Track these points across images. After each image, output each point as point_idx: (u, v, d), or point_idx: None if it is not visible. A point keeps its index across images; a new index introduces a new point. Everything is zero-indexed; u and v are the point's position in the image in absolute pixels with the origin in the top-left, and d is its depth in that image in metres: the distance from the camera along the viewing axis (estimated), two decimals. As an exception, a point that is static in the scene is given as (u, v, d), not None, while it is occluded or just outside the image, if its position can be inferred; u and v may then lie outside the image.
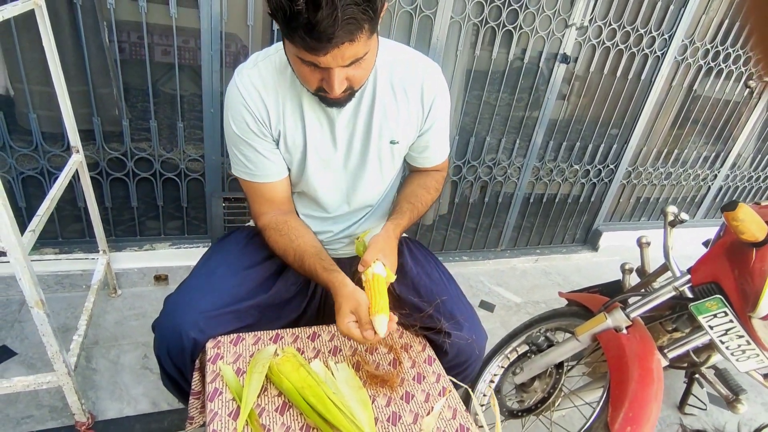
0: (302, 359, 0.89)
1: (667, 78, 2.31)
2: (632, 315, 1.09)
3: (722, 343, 0.98)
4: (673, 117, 2.57)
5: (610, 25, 2.04)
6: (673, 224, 1.14)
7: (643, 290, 1.48)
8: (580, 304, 1.35)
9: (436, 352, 1.02)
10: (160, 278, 1.85)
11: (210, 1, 1.46)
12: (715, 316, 0.96)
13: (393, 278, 0.91)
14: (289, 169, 1.01)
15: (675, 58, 2.26)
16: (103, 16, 1.46)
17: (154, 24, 1.52)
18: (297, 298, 1.08)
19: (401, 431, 0.83)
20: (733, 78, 2.53)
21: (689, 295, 1.05)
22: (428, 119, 1.01)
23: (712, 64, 2.41)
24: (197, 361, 0.93)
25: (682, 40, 2.22)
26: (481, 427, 0.97)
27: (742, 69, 2.50)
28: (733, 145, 2.85)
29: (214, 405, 0.81)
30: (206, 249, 1.15)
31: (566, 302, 1.48)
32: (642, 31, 2.11)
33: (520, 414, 1.27)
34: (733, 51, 2.40)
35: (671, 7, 2.10)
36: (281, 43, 0.90)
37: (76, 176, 1.48)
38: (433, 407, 0.88)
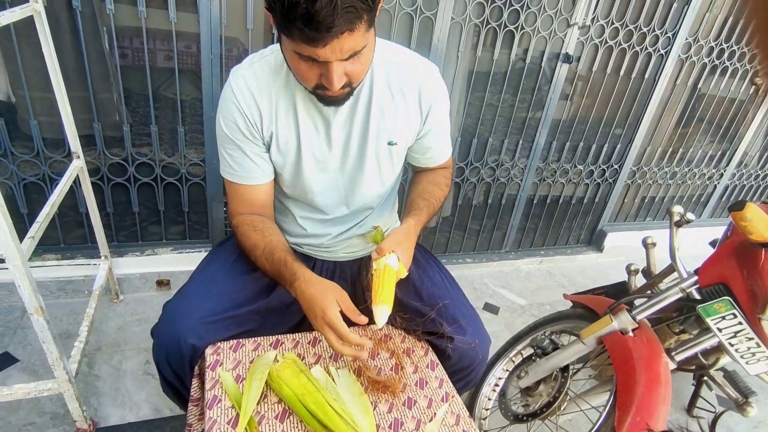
0: (303, 365, 0.88)
1: (671, 77, 2.29)
2: (638, 317, 1.07)
3: (731, 345, 0.96)
4: (677, 116, 2.55)
5: (613, 24, 2.02)
6: (679, 224, 1.12)
7: (649, 292, 1.46)
8: (586, 306, 1.33)
9: (438, 356, 1.01)
10: (162, 283, 1.85)
11: (209, 6, 1.46)
12: (723, 318, 0.94)
13: (404, 274, 0.90)
14: (281, 173, 1.00)
15: (679, 56, 2.24)
16: (103, 22, 1.46)
17: (154, 29, 1.52)
18: (297, 302, 1.06)
19: (403, 438, 0.82)
20: (738, 75, 2.51)
21: (697, 296, 1.03)
22: (427, 122, 1.00)
23: (717, 62, 2.39)
24: (196, 367, 0.92)
25: (686, 38, 2.20)
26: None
27: (748, 66, 2.47)
28: (739, 143, 2.82)
29: (213, 413, 0.80)
30: (208, 253, 1.15)
31: (571, 304, 1.46)
32: (645, 30, 2.09)
33: (525, 418, 1.25)
34: (738, 48, 2.37)
35: (674, 4, 2.08)
36: (277, 44, 0.89)
37: (77, 182, 1.48)
38: (435, 413, 0.87)
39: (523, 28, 1.88)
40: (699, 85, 2.44)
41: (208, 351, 0.91)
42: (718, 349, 1.20)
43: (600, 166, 2.45)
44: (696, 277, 1.01)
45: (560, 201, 2.48)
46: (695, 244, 2.05)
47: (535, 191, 2.38)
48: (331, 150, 0.97)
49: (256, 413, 0.81)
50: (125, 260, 1.80)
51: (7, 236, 0.91)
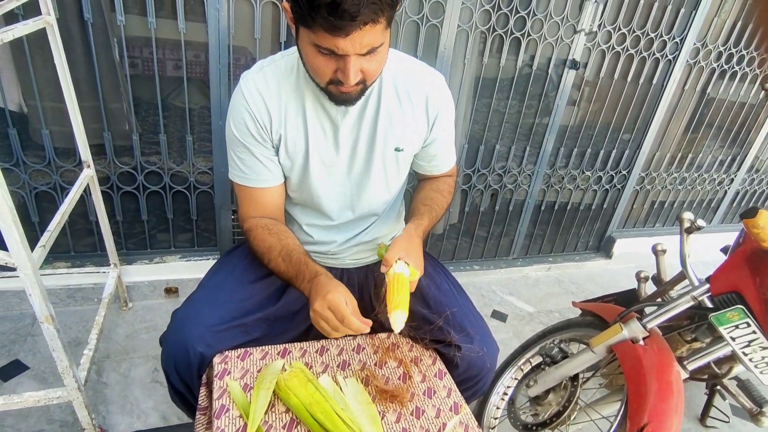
0: (310, 374, 0.87)
1: (679, 82, 2.28)
2: (649, 326, 1.06)
3: (745, 354, 0.94)
4: (686, 121, 2.53)
5: (620, 29, 2.01)
6: (689, 231, 1.11)
7: (659, 299, 1.44)
8: (595, 314, 1.32)
9: (446, 365, 1.00)
10: (171, 291, 1.86)
11: (218, 16, 1.48)
12: (737, 327, 0.92)
13: (418, 275, 0.89)
14: (288, 177, 1.00)
15: (687, 61, 2.23)
16: (113, 33, 1.48)
17: (163, 39, 1.54)
18: (305, 310, 1.06)
19: (411, 448, 0.81)
20: (747, 80, 2.48)
21: (709, 304, 1.01)
22: (433, 130, 1.01)
23: (726, 67, 2.37)
24: (204, 375, 0.92)
25: (694, 43, 2.19)
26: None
27: (757, 71, 2.45)
28: (750, 147, 2.79)
29: (221, 422, 0.80)
30: (216, 261, 1.15)
31: (580, 312, 1.45)
32: (652, 35, 2.08)
33: (534, 428, 1.23)
34: (747, 53, 2.35)
35: (682, 10, 2.07)
36: (288, 50, 0.93)
37: (87, 191, 1.50)
38: (443, 423, 0.86)
39: (529, 34, 1.88)
40: (708, 90, 2.43)
41: (216, 359, 0.91)
42: (732, 358, 1.18)
43: (608, 172, 2.43)
44: (708, 285, 1.00)
45: (568, 207, 2.47)
46: (706, 250, 2.03)
47: (542, 198, 2.37)
48: (338, 154, 0.97)
49: (263, 423, 0.80)
50: (134, 268, 1.81)
51: (19, 245, 0.92)
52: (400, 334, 1.03)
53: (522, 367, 1.41)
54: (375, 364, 0.97)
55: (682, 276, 1.37)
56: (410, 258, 0.89)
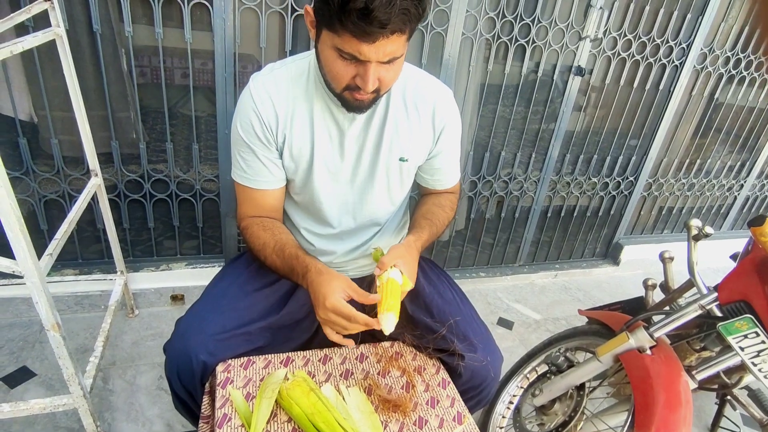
0: (313, 383, 0.87)
1: (686, 87, 2.26)
2: (656, 335, 1.04)
3: (754, 365, 0.92)
4: (694, 126, 2.50)
5: (625, 36, 2.01)
6: (697, 238, 1.09)
7: (667, 307, 1.43)
8: (601, 322, 1.30)
9: (450, 374, 0.99)
10: (177, 298, 1.86)
11: (224, 26, 1.50)
12: (745, 336, 0.91)
13: (410, 286, 0.88)
14: (292, 179, 1.00)
15: (694, 66, 2.21)
16: (121, 43, 1.51)
17: (170, 48, 1.56)
18: (308, 318, 1.06)
19: (414, 459, 0.81)
20: (756, 85, 2.46)
21: (717, 313, 1.00)
22: (439, 142, 1.01)
23: (734, 72, 2.35)
24: (207, 384, 0.92)
25: (701, 49, 2.17)
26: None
27: (766, 76, 2.43)
28: (759, 153, 2.75)
29: (223, 431, 0.80)
30: (221, 269, 1.16)
31: (587, 320, 1.43)
32: (659, 41, 2.07)
33: (540, 438, 1.22)
34: (755, 58, 2.33)
35: (688, 15, 2.06)
36: (299, 55, 0.95)
37: (95, 199, 1.51)
38: (447, 434, 0.85)
39: (534, 41, 1.88)
40: (716, 96, 2.40)
41: (219, 368, 0.91)
42: (741, 367, 1.16)
43: (615, 178, 2.41)
44: (715, 294, 0.98)
45: (575, 213, 2.45)
46: (716, 257, 2.01)
47: (549, 204, 2.36)
48: (343, 160, 0.98)
49: (265, 432, 0.80)
50: (141, 275, 1.83)
51: (26, 254, 0.93)
52: (403, 342, 1.03)
53: (528, 375, 1.39)
54: (378, 373, 0.96)
55: (690, 284, 1.35)
56: (405, 267, 0.88)
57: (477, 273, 2.36)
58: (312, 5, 0.79)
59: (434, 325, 0.99)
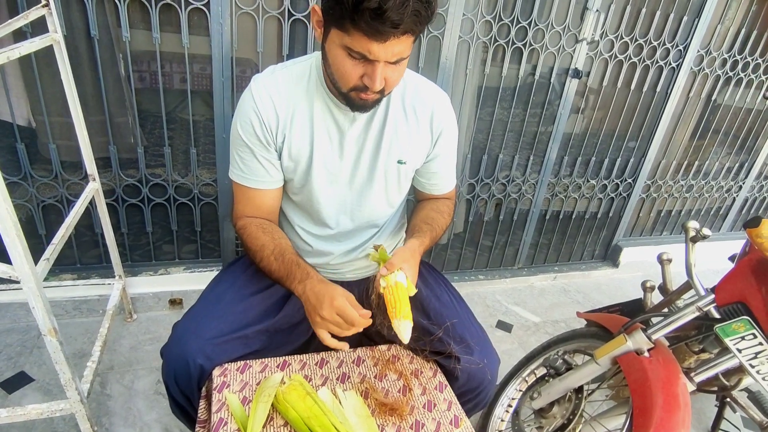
0: (309, 387, 0.87)
1: (683, 89, 2.27)
2: (654, 337, 1.04)
3: (752, 366, 0.92)
4: (692, 128, 2.51)
5: (622, 38, 2.01)
6: (694, 240, 1.09)
7: (665, 309, 1.42)
8: (600, 324, 1.30)
9: (447, 377, 0.99)
10: (175, 302, 1.86)
11: (221, 30, 1.50)
12: (743, 338, 0.91)
13: (413, 292, 0.88)
14: (291, 179, 1.01)
15: (691, 68, 2.22)
16: (119, 49, 1.51)
17: (168, 53, 1.56)
18: (305, 322, 1.05)
19: (411, 463, 0.80)
20: (753, 86, 2.46)
21: (715, 315, 1.00)
22: (436, 146, 1.02)
23: (731, 74, 2.35)
24: (204, 388, 0.92)
25: (698, 51, 2.18)
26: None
27: (763, 77, 2.43)
28: (758, 154, 2.75)
29: (219, 435, 0.80)
30: (217, 273, 1.16)
31: (585, 322, 1.43)
32: (655, 43, 2.08)
33: (539, 441, 1.22)
34: (752, 60, 2.34)
35: (685, 18, 2.07)
36: (300, 57, 0.96)
37: (93, 203, 1.52)
38: (444, 437, 0.85)
39: (531, 44, 1.88)
40: (713, 97, 2.41)
41: (215, 372, 0.91)
42: (740, 369, 1.15)
43: (613, 180, 2.41)
44: (713, 296, 0.98)
45: (573, 216, 2.45)
46: (715, 258, 2.00)
47: (547, 206, 2.36)
48: (342, 161, 0.98)
49: (261, 436, 0.80)
50: (139, 279, 1.82)
51: (23, 259, 0.93)
52: (399, 345, 1.03)
53: (526, 378, 1.39)
54: (375, 377, 0.96)
55: (688, 286, 1.35)
56: (409, 272, 0.88)
57: (476, 276, 2.36)
58: (320, 5, 0.80)
59: (431, 328, 0.99)
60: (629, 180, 2.44)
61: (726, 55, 2.28)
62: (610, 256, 2.70)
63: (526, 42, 1.87)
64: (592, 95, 2.17)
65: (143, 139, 1.65)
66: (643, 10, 1.98)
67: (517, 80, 1.96)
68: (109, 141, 1.59)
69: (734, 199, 2.91)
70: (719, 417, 1.66)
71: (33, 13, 1.15)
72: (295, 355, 0.99)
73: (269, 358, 0.97)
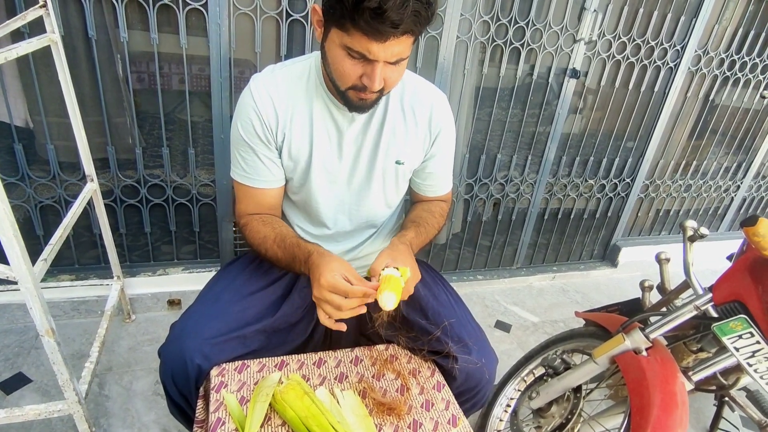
0: (307, 387, 0.87)
1: (681, 89, 2.27)
2: (652, 336, 1.04)
3: (750, 365, 0.92)
4: (690, 128, 2.51)
5: (620, 38, 2.02)
6: (692, 239, 1.09)
7: (664, 309, 1.42)
8: (598, 324, 1.30)
9: (445, 377, 0.99)
10: (174, 303, 1.86)
11: (219, 31, 1.50)
12: (740, 337, 0.91)
13: (409, 274, 0.85)
14: (291, 178, 1.01)
15: (689, 68, 2.22)
16: (117, 49, 1.51)
17: (166, 54, 1.56)
18: (303, 321, 1.06)
19: (409, 462, 0.80)
20: (751, 86, 2.47)
21: (713, 314, 1.00)
22: (434, 146, 1.02)
23: (729, 74, 2.36)
24: (202, 388, 0.92)
25: (696, 51, 2.18)
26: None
27: (761, 77, 2.44)
28: (756, 153, 2.76)
29: (217, 435, 0.80)
30: (215, 273, 1.16)
31: (584, 322, 1.43)
32: (653, 43, 2.08)
33: (538, 441, 1.22)
34: (750, 60, 2.34)
35: (682, 18, 2.07)
36: (299, 57, 0.96)
37: (91, 204, 1.51)
38: (442, 436, 0.85)
39: (529, 44, 1.88)
40: (711, 97, 2.41)
41: (213, 372, 0.91)
42: (738, 368, 1.15)
43: (612, 180, 2.42)
44: (710, 295, 0.98)
45: (572, 216, 2.45)
46: (713, 258, 2.00)
47: (545, 206, 2.36)
48: (340, 161, 0.98)
49: (259, 436, 0.80)
50: (137, 280, 1.82)
51: (20, 259, 0.93)
52: (397, 345, 1.03)
53: (525, 378, 1.39)
54: (373, 376, 0.96)
55: (686, 285, 1.35)
56: (397, 261, 0.85)
57: (474, 276, 2.36)
58: (320, 4, 0.80)
59: (429, 327, 0.99)
60: (627, 180, 2.45)
61: (723, 55, 2.28)
62: (608, 255, 2.70)
63: (524, 42, 1.87)
64: (590, 95, 2.17)
65: (141, 140, 1.64)
66: (641, 10, 1.98)
67: (515, 80, 1.96)
68: (107, 142, 1.59)
69: (732, 198, 2.92)
70: (718, 416, 1.66)
71: (31, 14, 1.15)
72: (293, 355, 0.99)
73: (267, 358, 0.97)
